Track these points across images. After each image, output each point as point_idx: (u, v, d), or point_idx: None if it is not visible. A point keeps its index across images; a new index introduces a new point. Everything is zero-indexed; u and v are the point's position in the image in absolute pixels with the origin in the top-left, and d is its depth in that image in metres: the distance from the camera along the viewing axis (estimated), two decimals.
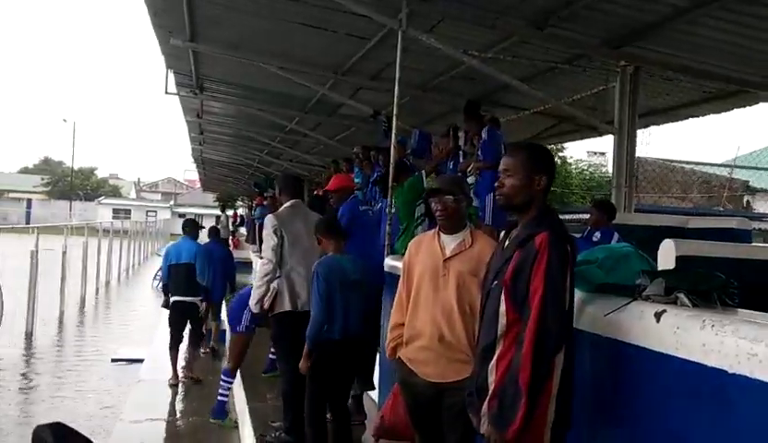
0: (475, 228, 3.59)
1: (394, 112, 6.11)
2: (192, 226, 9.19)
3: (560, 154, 25.35)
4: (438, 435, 3.27)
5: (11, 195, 66.81)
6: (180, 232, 9.63)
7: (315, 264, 4.48)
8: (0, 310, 11.02)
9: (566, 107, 8.10)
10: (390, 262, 5.14)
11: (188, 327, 8.83)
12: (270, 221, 5.04)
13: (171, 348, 8.67)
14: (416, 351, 3.27)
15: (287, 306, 4.86)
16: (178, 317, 8.57)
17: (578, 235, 5.93)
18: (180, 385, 8.80)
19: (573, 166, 27.38)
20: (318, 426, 4.44)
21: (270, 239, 4.93)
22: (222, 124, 16.17)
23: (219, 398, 6.77)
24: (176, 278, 8.55)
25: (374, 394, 5.63)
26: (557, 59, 7.31)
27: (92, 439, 1.61)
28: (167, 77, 11.41)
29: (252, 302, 4.95)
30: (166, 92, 11.82)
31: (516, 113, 9.29)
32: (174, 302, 8.56)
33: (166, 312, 8.85)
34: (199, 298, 8.64)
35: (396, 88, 6.01)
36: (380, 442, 4.28)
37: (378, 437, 3.96)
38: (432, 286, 3.25)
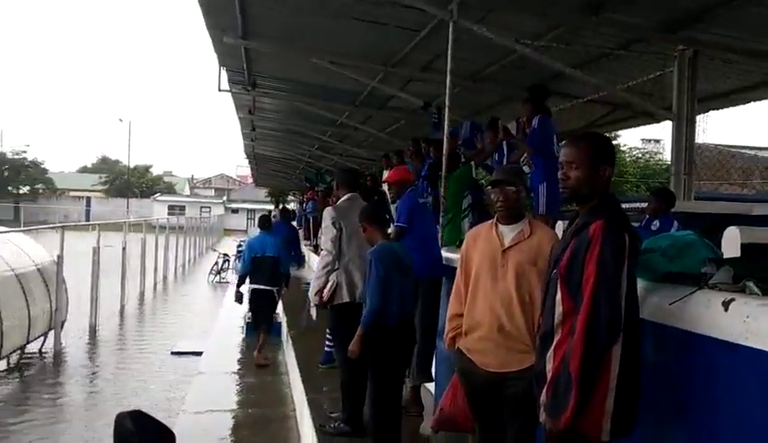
0: (532, 217, 3.57)
1: (446, 103, 6.09)
2: (267, 222, 9.85)
3: (614, 142, 24.88)
4: (498, 425, 3.27)
5: (71, 193, 68.94)
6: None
7: (369, 251, 4.52)
8: (65, 305, 11.40)
9: (621, 94, 7.94)
10: (447, 254, 5.14)
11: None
12: (329, 213, 5.09)
13: (255, 330, 9.69)
14: (475, 341, 3.27)
15: (345, 298, 4.91)
16: (259, 303, 9.27)
17: (636, 224, 5.83)
18: (238, 378, 8.99)
19: (627, 154, 26.81)
20: (389, 414, 4.45)
21: (329, 231, 4.98)
22: (274, 119, 16.36)
23: (326, 348, 6.97)
24: (260, 268, 9.10)
25: (431, 386, 5.65)
26: (611, 45, 7.17)
27: None
28: (220, 75, 11.62)
29: (311, 293, 5.03)
30: (219, 89, 12.03)
31: (569, 102, 9.16)
32: (254, 289, 9.16)
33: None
34: (277, 289, 9.22)
35: (447, 79, 5.99)
36: (439, 434, 4.30)
37: (436, 429, 3.98)
38: (490, 276, 3.24)
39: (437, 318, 5.06)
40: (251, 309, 9.69)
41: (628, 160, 26.36)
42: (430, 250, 5.28)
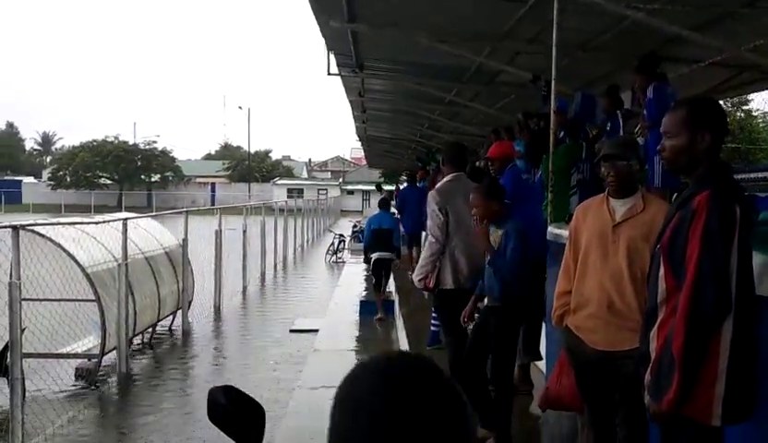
0: (646, 191, 3.42)
1: (552, 76, 5.90)
2: (386, 202, 12.25)
3: (744, 108, 23.25)
4: (608, 405, 3.18)
5: (198, 180, 72.60)
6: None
7: (511, 225, 4.44)
8: (191, 286, 12.06)
9: (748, 55, 7.39)
10: (553, 230, 5.02)
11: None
12: (433, 198, 4.98)
13: (375, 291, 11.43)
14: (584, 319, 3.19)
15: (450, 284, 4.86)
16: (378, 269, 11.05)
17: (764, 195, 5.44)
18: (352, 355, 9.22)
19: (761, 120, 24.97)
20: (503, 391, 4.44)
21: (436, 217, 4.88)
22: (383, 100, 16.46)
23: (432, 328, 7.19)
24: (378, 239, 11.09)
25: (541, 364, 5.55)
26: (735, 3, 6.68)
27: (272, 404, 1.72)
28: (329, 59, 11.80)
29: (416, 278, 5.01)
30: (329, 73, 12.23)
31: (688, 67, 8.63)
32: (377, 259, 11.04)
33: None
34: (393, 254, 11.22)
35: (554, 50, 5.80)
36: (548, 412, 4.23)
37: (544, 407, 3.92)
38: (601, 253, 3.14)
39: (543, 296, 4.96)
40: (373, 273, 11.36)
41: (761, 126, 24.57)
42: (535, 227, 5.16)
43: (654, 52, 6.56)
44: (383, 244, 11.00)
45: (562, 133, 6.77)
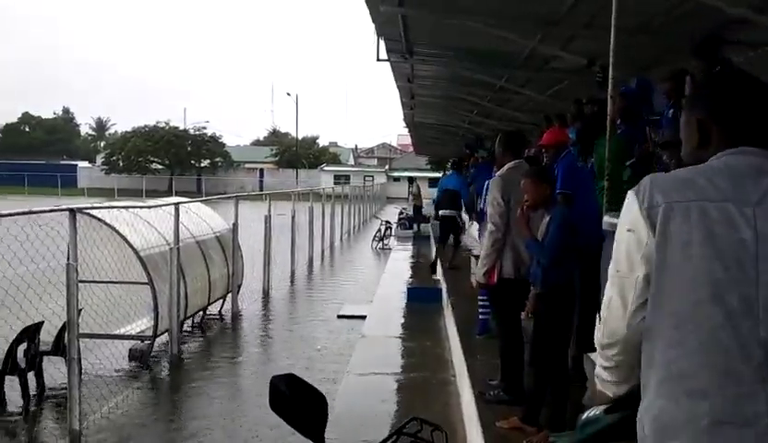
0: None
1: (610, 60, 5.74)
2: (457, 164, 14.21)
3: None
4: None
5: (246, 166, 73.52)
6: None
7: (558, 209, 4.36)
8: (241, 270, 12.20)
9: None
10: (608, 219, 4.89)
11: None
12: (496, 185, 4.89)
13: (439, 242, 13.22)
14: None
15: (510, 274, 4.78)
16: (445, 225, 12.66)
17: None
18: (400, 342, 9.23)
19: None
20: (557, 381, 4.36)
21: (497, 205, 4.80)
22: (432, 86, 16.34)
23: (480, 317, 7.17)
24: (445, 198, 12.62)
25: (595, 356, 5.44)
26: None
27: (320, 388, 1.70)
28: (378, 45, 11.73)
29: (480, 271, 4.93)
30: (378, 59, 12.17)
31: (753, 51, 8.30)
32: (443, 215, 12.59)
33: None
34: (458, 213, 12.53)
35: (612, 34, 5.63)
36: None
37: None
38: None
39: (598, 286, 4.84)
40: (440, 228, 12.95)
41: None
42: (589, 215, 5.04)
43: (715, 34, 6.30)
44: (451, 202, 12.41)
45: (619, 120, 6.59)
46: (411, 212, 25.67)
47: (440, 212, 12.78)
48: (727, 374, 1.49)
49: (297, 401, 1.59)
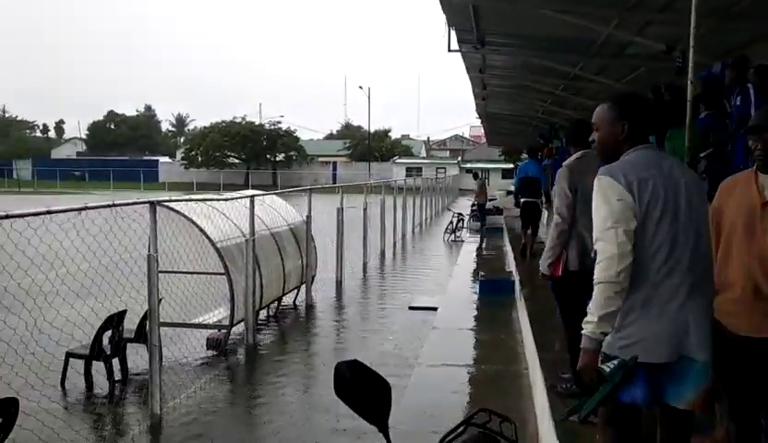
0: None
1: (690, 44, 5.53)
2: (534, 151, 13.83)
3: None
4: (750, 395, 2.97)
5: (320, 159, 74.44)
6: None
7: None
8: (315, 261, 12.38)
9: None
10: None
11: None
12: (564, 175, 4.78)
13: (522, 228, 13.04)
14: (726, 303, 2.98)
15: (575, 266, 4.68)
16: (526, 212, 12.70)
17: None
18: (471, 334, 9.19)
19: None
20: None
21: (564, 196, 4.70)
22: (504, 76, 16.12)
23: None
24: (526, 186, 12.71)
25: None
26: None
27: (391, 379, 1.72)
28: (449, 35, 11.67)
29: (545, 263, 4.85)
30: (449, 50, 12.10)
31: None
32: (524, 202, 12.65)
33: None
34: (540, 200, 12.67)
35: (692, 17, 5.42)
36: None
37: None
38: (747, 233, 2.92)
39: None
40: (521, 215, 12.96)
41: None
42: None
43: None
44: (531, 190, 12.54)
45: (703, 107, 6.37)
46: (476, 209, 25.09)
47: (522, 200, 12.84)
48: (673, 269, 2.78)
49: (361, 387, 1.61)
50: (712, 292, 2.89)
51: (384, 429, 1.68)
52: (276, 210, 11.56)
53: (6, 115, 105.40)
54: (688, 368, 2.75)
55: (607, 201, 2.78)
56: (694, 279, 2.77)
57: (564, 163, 5.01)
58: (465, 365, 7.83)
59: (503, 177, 57.70)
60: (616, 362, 2.70)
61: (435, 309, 10.75)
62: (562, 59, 12.29)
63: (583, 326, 2.75)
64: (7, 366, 5.56)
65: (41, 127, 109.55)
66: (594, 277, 2.74)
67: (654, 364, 2.72)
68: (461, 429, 2.10)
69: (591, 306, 2.74)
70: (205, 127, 73.36)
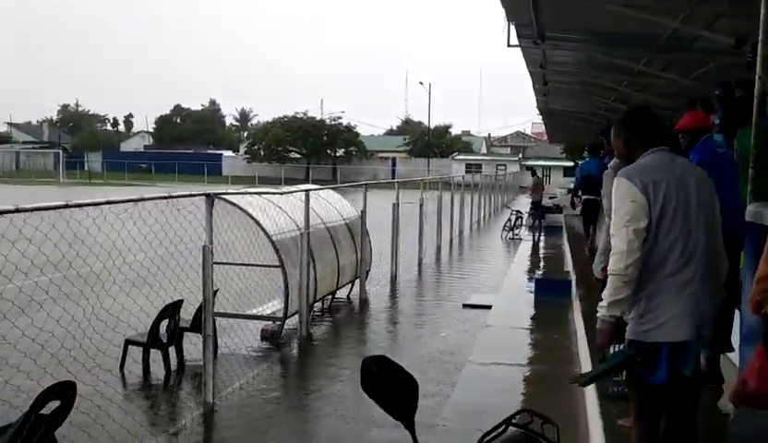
0: None
1: (759, 38, 5.28)
2: (595, 148, 13.84)
3: None
4: None
5: (380, 155, 74.68)
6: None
7: None
8: (369, 256, 12.41)
9: None
10: (753, 209, 4.52)
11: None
12: (612, 176, 4.72)
13: (584, 226, 13.55)
14: None
15: None
16: (587, 210, 12.96)
17: None
18: (525, 333, 9.06)
19: None
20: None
21: None
22: (565, 72, 15.79)
23: None
24: (586, 184, 12.85)
25: (733, 356, 5.07)
26: None
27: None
28: (509, 30, 11.48)
29: (598, 267, 4.74)
30: (508, 45, 11.92)
31: None
32: (585, 199, 12.89)
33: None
34: (600, 198, 12.75)
35: (762, 8, 5.18)
36: (740, 409, 3.84)
37: (737, 403, 3.56)
38: None
39: (737, 281, 4.50)
40: (582, 213, 13.20)
41: None
42: (728, 205, 4.67)
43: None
44: (591, 188, 12.47)
45: None
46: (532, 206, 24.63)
47: (583, 197, 12.95)
48: (688, 261, 3.16)
49: (388, 383, 1.59)
50: (720, 278, 3.31)
51: (410, 426, 1.65)
52: (332, 205, 11.63)
53: (80, 109, 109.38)
54: (700, 343, 3.25)
55: (623, 202, 3.19)
56: (706, 267, 3.19)
57: (610, 165, 4.87)
58: (517, 364, 7.72)
59: (564, 175, 56.72)
60: (619, 349, 3.33)
61: (489, 307, 10.64)
62: (626, 54, 11.94)
63: (598, 310, 3.23)
64: (66, 351, 5.74)
65: (111, 121, 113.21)
66: (608, 268, 3.19)
67: (674, 343, 3.14)
68: (501, 428, 2.07)
69: (604, 293, 3.19)
70: (267, 122, 74.52)
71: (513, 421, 2.14)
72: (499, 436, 2.10)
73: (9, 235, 4.41)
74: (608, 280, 3.18)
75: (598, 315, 3.21)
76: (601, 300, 3.28)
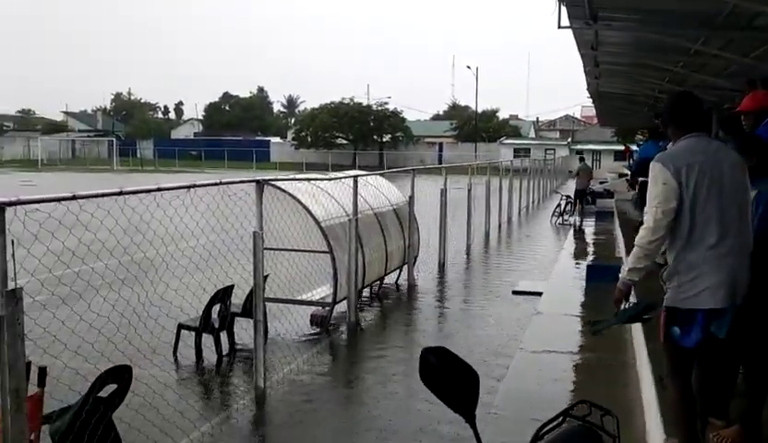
0: None
1: None
2: (656, 132, 13.57)
3: None
4: None
5: (426, 140, 74.34)
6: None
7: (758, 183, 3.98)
8: (417, 242, 12.36)
9: None
10: None
11: None
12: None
13: (640, 209, 15.35)
14: None
15: None
16: (644, 192, 12.13)
17: None
18: (577, 320, 8.91)
19: None
20: (761, 366, 3.99)
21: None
22: (618, 53, 15.37)
23: None
24: (645, 167, 11.86)
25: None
26: None
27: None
28: (559, 12, 11.22)
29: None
30: (559, 27, 11.65)
31: None
32: (642, 181, 11.77)
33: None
34: None
35: None
36: None
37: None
38: None
39: None
40: (638, 195, 12.72)
41: None
42: None
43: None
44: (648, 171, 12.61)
45: None
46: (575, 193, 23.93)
47: (640, 180, 12.74)
48: (723, 235, 3.42)
49: (448, 375, 1.54)
50: (752, 250, 3.56)
51: (471, 419, 1.60)
52: (380, 190, 11.60)
53: (132, 98, 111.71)
54: (731, 309, 3.46)
55: (656, 184, 3.50)
56: (741, 240, 3.49)
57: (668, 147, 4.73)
58: (569, 352, 7.59)
59: (615, 159, 55.60)
60: (628, 306, 3.70)
61: (539, 294, 10.49)
62: (682, 34, 11.56)
63: (620, 271, 3.68)
64: (122, 336, 5.86)
65: (162, 109, 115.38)
66: (635, 240, 3.52)
67: (710, 310, 3.43)
68: (559, 420, 2.01)
69: (628, 258, 3.57)
70: (314, 109, 74.83)
71: (571, 412, 2.07)
72: (558, 427, 2.04)
73: (67, 222, 4.50)
74: (633, 249, 3.55)
75: (620, 275, 3.65)
76: (661, 283, 3.57)
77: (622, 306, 3.71)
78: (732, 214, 3.47)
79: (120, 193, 4.46)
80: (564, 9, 11.11)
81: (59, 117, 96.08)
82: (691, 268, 3.45)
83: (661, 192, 3.46)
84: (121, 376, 4.64)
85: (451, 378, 1.56)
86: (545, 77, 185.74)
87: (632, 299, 3.83)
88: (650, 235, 3.47)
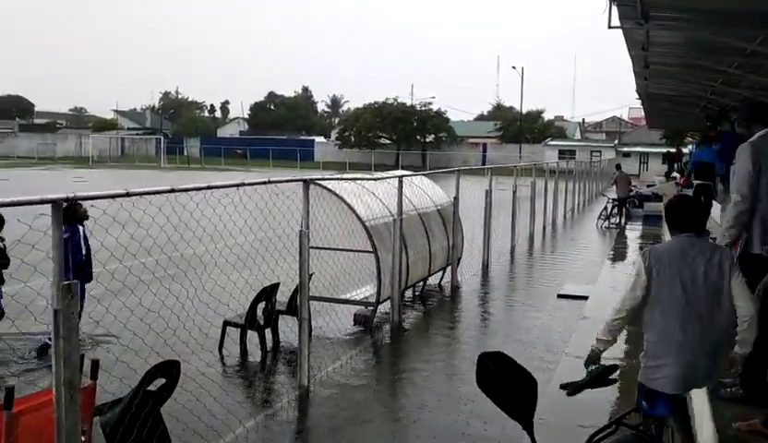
0: None
1: None
2: (707, 138, 14.17)
3: None
4: None
5: (470, 140, 73.93)
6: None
7: None
8: (461, 243, 12.29)
9: None
10: None
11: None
12: (745, 150, 4.46)
13: None
14: None
15: (756, 248, 4.30)
16: (699, 194, 12.56)
17: None
18: (628, 326, 8.72)
19: None
20: None
21: (746, 173, 4.37)
22: (669, 54, 15.03)
23: None
24: (699, 169, 13.35)
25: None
26: None
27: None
28: (610, 11, 11.02)
29: (723, 242, 4.50)
30: (609, 27, 11.45)
31: None
32: (698, 184, 13.10)
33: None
34: (713, 183, 12.80)
35: None
36: None
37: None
38: None
39: None
40: (695, 196, 12.50)
41: None
42: None
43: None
44: (704, 173, 12.89)
45: None
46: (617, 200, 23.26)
47: (695, 182, 13.19)
48: (684, 330, 3.58)
49: (506, 381, 1.52)
50: (719, 343, 3.66)
51: (528, 427, 1.57)
52: (424, 191, 11.57)
53: (179, 96, 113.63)
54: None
55: (634, 274, 3.78)
56: (709, 337, 3.61)
57: (749, 140, 4.62)
58: (616, 357, 7.43)
59: (663, 162, 54.49)
60: (595, 367, 3.87)
61: (585, 298, 10.33)
62: (737, 34, 11.25)
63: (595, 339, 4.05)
64: (171, 331, 5.95)
65: (208, 108, 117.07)
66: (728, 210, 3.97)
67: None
68: (612, 428, 1.96)
69: (724, 222, 4.04)
70: (358, 109, 75.04)
71: (624, 420, 2.02)
72: (610, 435, 1.99)
73: (120, 218, 4.59)
74: (603, 324, 3.96)
75: (591, 343, 4.00)
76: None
77: (589, 369, 3.89)
78: (700, 311, 3.58)
79: (172, 190, 4.52)
80: (615, 9, 10.93)
81: (109, 115, 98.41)
82: (657, 356, 3.64)
83: (632, 282, 3.73)
84: (170, 370, 4.71)
85: (509, 384, 1.54)
86: (591, 77, 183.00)
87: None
88: (613, 314, 3.82)
